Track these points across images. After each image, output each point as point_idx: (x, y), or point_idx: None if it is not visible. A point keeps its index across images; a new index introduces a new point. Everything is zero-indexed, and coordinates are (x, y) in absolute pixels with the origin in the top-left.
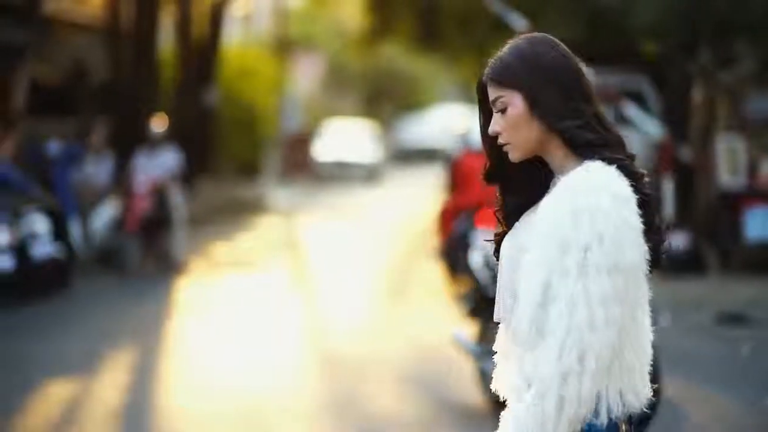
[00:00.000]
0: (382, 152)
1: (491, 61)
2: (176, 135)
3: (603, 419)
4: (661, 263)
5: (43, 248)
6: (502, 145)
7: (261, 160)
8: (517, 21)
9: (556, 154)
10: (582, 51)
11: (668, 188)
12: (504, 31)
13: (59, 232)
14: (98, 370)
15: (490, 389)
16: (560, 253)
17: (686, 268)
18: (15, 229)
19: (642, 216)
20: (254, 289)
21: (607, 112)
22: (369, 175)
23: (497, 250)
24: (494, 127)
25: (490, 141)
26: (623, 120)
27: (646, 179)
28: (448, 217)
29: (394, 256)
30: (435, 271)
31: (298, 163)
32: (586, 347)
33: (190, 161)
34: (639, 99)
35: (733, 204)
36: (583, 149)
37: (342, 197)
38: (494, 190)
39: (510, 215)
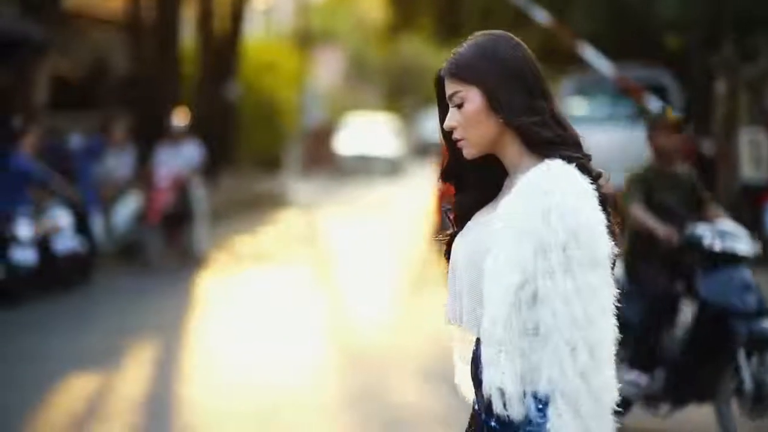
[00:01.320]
0: (403, 146)
1: (450, 55)
2: (197, 129)
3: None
4: (615, 263)
5: (66, 242)
6: (458, 141)
7: (282, 154)
8: (540, 15)
9: (511, 151)
10: (605, 45)
11: None
12: (527, 25)
13: (81, 226)
14: (120, 364)
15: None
16: (537, 254)
17: None
18: (37, 223)
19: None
20: (275, 283)
21: (631, 106)
22: (390, 168)
23: (447, 252)
24: (450, 122)
25: (447, 137)
26: (646, 114)
27: (602, 179)
28: (440, 202)
29: (415, 250)
30: None
31: (320, 157)
32: (592, 340)
33: (212, 155)
34: (661, 93)
35: (755, 197)
36: (541, 147)
37: (363, 191)
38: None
39: (463, 215)
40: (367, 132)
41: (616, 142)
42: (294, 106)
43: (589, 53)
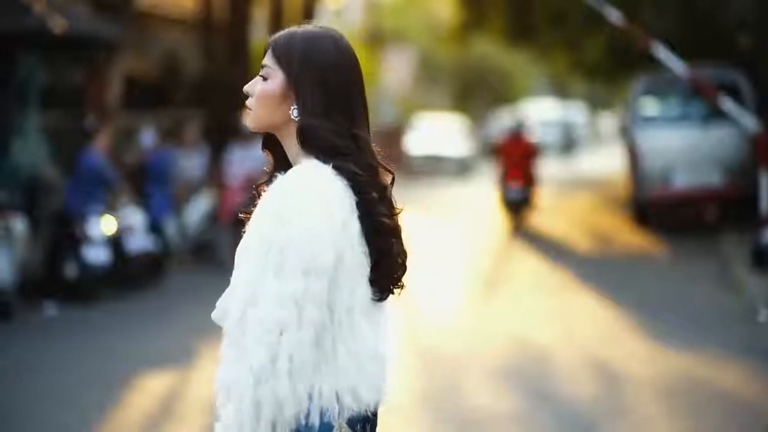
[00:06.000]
0: (473, 146)
1: (284, 30)
2: None
3: (314, 420)
4: (396, 292)
5: (138, 242)
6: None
7: None
8: (613, 14)
9: (293, 144)
10: (676, 44)
11: (765, 182)
12: (598, 24)
13: (154, 226)
14: (193, 364)
15: None
16: (262, 253)
17: None
18: (110, 222)
19: (372, 239)
20: None
21: (702, 106)
22: (460, 168)
23: None
24: (247, 87)
25: None
26: (719, 113)
27: (383, 207)
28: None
29: (486, 250)
30: (528, 266)
31: (390, 157)
32: (279, 348)
33: None
34: (734, 92)
35: None
36: (319, 152)
37: (434, 191)
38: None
39: None
40: (437, 132)
41: (688, 141)
42: None
43: (662, 53)
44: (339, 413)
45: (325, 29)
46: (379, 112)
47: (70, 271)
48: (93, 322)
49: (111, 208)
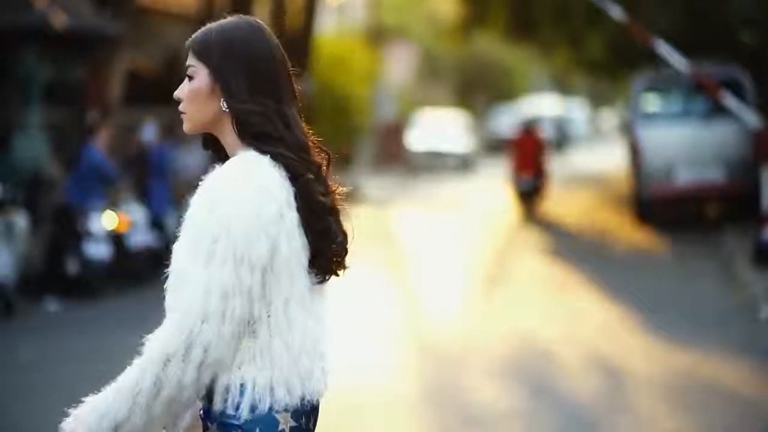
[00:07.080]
0: (474, 142)
1: (201, 29)
2: None
3: (243, 413)
4: (339, 273)
5: (139, 237)
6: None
7: (355, 149)
8: (615, 11)
9: (229, 139)
10: (678, 41)
11: (766, 179)
12: (600, 20)
13: (155, 221)
14: None
15: None
16: (194, 242)
17: None
18: (111, 218)
19: (310, 221)
20: (349, 280)
21: (704, 102)
22: (462, 164)
23: None
24: (177, 92)
25: None
26: (721, 110)
27: (320, 186)
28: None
29: (488, 247)
30: (530, 264)
31: (392, 153)
32: (196, 337)
33: None
34: (736, 88)
35: None
36: (252, 139)
37: (436, 187)
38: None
39: None
40: (438, 128)
41: (690, 138)
42: (366, 102)
43: (664, 49)
44: (278, 406)
45: (239, 18)
46: (381, 108)
47: (72, 267)
48: (94, 318)
49: (112, 204)
